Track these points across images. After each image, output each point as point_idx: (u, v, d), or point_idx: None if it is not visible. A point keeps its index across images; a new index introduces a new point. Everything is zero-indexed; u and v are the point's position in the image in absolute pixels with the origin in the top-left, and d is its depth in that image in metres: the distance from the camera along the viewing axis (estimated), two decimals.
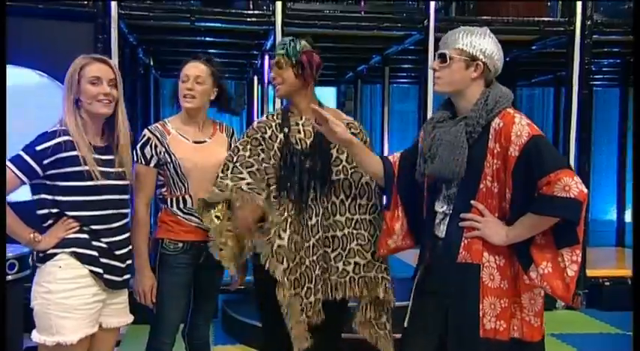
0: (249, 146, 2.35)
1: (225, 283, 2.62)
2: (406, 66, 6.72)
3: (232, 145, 2.47)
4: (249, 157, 2.33)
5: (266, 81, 4.47)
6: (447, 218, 2.07)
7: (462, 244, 2.02)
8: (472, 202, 2.01)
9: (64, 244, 2.00)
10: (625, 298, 4.63)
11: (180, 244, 2.40)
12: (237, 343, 3.99)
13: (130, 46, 4.93)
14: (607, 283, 4.86)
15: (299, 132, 2.36)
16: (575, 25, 4.67)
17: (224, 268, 2.50)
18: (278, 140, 2.34)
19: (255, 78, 6.38)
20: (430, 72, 4.45)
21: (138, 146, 2.39)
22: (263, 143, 2.35)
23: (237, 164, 2.33)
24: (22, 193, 2.03)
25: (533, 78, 7.43)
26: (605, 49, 5.49)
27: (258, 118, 6.42)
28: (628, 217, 6.65)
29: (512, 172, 1.92)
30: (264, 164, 2.33)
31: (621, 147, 6.54)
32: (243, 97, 6.30)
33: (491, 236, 1.98)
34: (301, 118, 2.38)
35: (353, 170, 2.37)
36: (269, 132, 2.36)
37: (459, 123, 2.00)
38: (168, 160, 2.39)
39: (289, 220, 2.27)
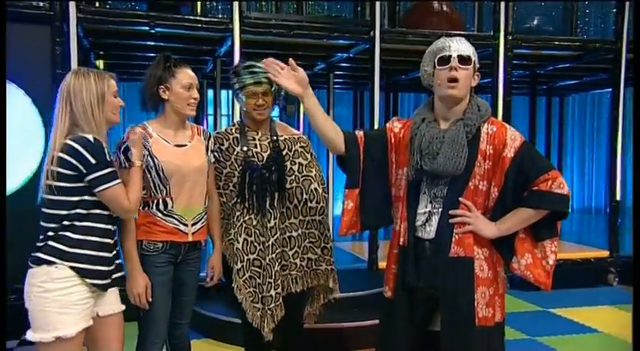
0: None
1: (200, 279, 2.63)
2: (342, 73, 7.01)
3: (210, 149, 2.58)
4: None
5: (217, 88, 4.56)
6: (434, 217, 2.14)
7: (453, 239, 2.11)
8: (460, 199, 2.12)
9: (65, 256, 2.05)
10: None
11: (160, 244, 2.42)
12: (203, 338, 4.04)
13: (84, 49, 4.89)
14: None
15: (255, 146, 2.64)
16: (499, 39, 5.22)
17: (199, 265, 2.60)
18: (235, 152, 2.64)
19: (205, 83, 6.44)
20: (377, 78, 4.86)
21: (121, 150, 2.35)
22: (220, 154, 2.65)
23: None
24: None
25: None
26: (516, 62, 6.11)
27: (207, 122, 6.53)
28: None
29: (507, 171, 2.09)
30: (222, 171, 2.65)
31: None
32: None
33: (483, 230, 2.10)
34: (257, 133, 2.67)
35: (303, 178, 2.68)
36: (226, 144, 2.65)
37: (456, 123, 2.14)
38: (151, 163, 2.39)
39: (246, 224, 2.59)
